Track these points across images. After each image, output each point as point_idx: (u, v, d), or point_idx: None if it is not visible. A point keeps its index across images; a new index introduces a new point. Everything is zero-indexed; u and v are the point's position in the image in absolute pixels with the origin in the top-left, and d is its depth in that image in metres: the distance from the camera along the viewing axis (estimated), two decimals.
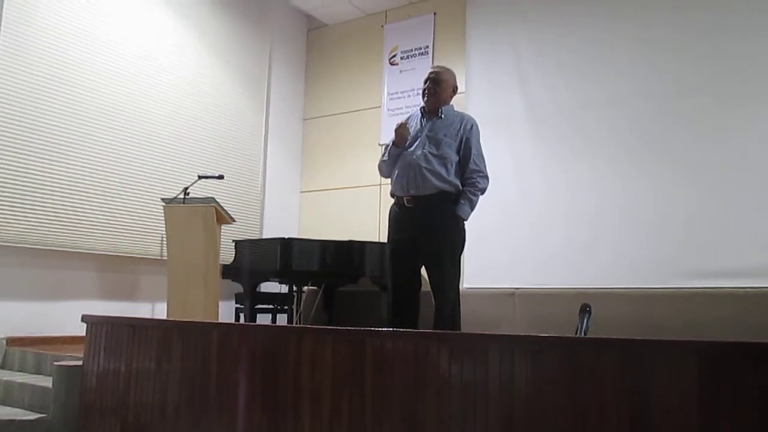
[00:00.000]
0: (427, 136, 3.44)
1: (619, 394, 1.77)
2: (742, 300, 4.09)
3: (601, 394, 1.79)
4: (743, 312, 4.03)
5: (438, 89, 3.50)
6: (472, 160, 3.43)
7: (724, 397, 1.64)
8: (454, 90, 3.60)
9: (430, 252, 3.37)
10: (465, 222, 3.44)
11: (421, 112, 3.57)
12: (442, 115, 3.48)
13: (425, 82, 3.55)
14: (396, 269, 3.46)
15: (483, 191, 3.47)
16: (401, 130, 3.46)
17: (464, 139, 3.44)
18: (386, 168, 3.62)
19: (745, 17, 4.39)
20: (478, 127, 3.53)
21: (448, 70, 3.62)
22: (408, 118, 3.65)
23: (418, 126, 3.52)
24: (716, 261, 4.26)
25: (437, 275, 3.37)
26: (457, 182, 3.40)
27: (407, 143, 3.48)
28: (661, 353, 1.76)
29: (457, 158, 3.42)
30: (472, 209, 3.42)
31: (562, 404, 1.84)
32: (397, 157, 3.54)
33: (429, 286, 3.43)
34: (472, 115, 3.66)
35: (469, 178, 3.42)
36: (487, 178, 3.47)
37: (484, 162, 3.49)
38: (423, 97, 3.55)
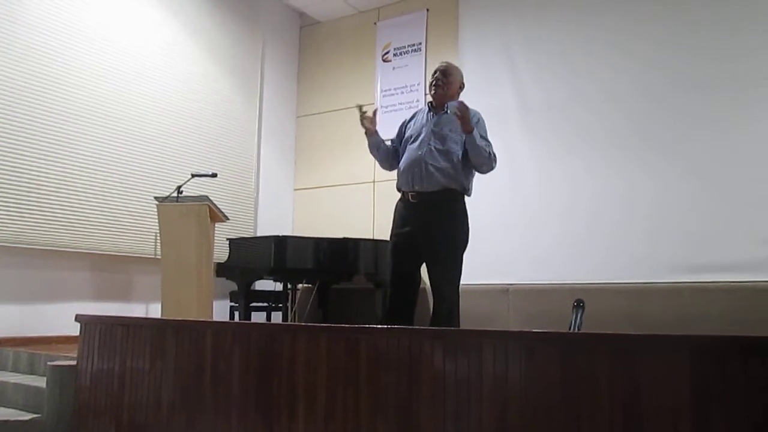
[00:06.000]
0: (432, 131, 3.42)
1: (612, 389, 1.78)
2: (734, 294, 4.12)
3: (594, 388, 1.80)
4: (735, 306, 4.06)
5: (446, 81, 3.49)
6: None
7: (715, 389, 1.65)
8: (461, 86, 3.59)
9: (430, 249, 3.36)
10: (469, 224, 3.43)
11: (428, 107, 3.57)
12: (448, 111, 3.46)
13: (434, 74, 3.54)
14: (396, 263, 3.45)
15: (490, 157, 3.38)
16: (366, 123, 3.50)
17: None
18: (379, 161, 3.70)
19: (738, 11, 4.41)
20: (484, 121, 3.50)
21: (456, 66, 3.62)
22: (415, 113, 3.66)
23: (424, 121, 3.51)
24: (710, 256, 4.28)
25: (437, 273, 3.36)
26: (462, 179, 3.39)
27: (412, 137, 3.49)
28: (654, 348, 1.77)
29: (462, 153, 3.40)
30: (478, 137, 3.31)
31: (556, 399, 1.85)
32: (377, 149, 3.59)
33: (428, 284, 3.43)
34: None
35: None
36: (496, 158, 3.43)
37: (491, 146, 3.43)
38: (430, 90, 3.54)
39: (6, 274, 4.15)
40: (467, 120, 3.21)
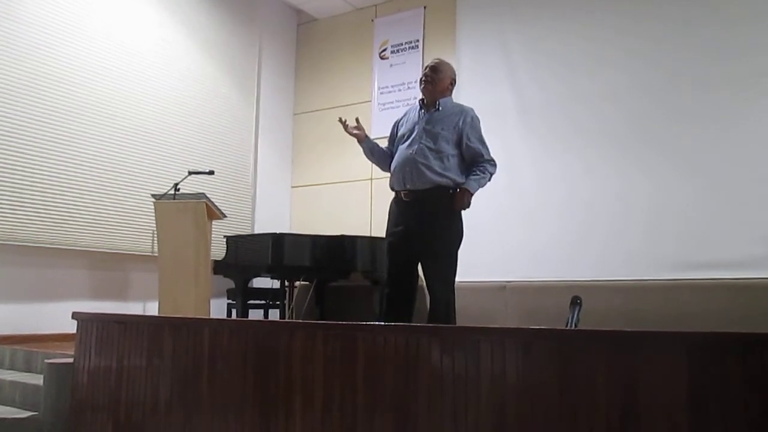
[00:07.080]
0: (424, 129, 3.40)
1: (609, 385, 1.78)
2: (732, 291, 4.12)
3: (591, 385, 1.80)
4: (733, 303, 4.05)
5: (436, 77, 3.45)
6: (477, 151, 3.40)
7: (713, 386, 1.65)
8: (453, 82, 3.55)
9: (425, 247, 3.35)
10: (462, 220, 3.43)
11: (419, 104, 3.55)
12: (440, 108, 3.44)
13: (424, 70, 3.53)
14: (393, 262, 3.45)
15: (492, 175, 3.46)
16: (352, 132, 3.55)
17: (463, 133, 3.40)
18: (376, 164, 3.70)
19: (737, 9, 4.40)
20: (478, 118, 3.48)
21: (447, 62, 3.59)
22: (407, 111, 3.64)
23: (416, 119, 3.48)
24: (707, 253, 4.28)
25: (432, 270, 3.36)
26: (455, 176, 3.37)
27: (404, 136, 3.48)
28: (651, 344, 1.77)
29: (455, 152, 3.37)
30: (479, 185, 3.39)
31: (553, 396, 1.85)
32: (372, 153, 3.61)
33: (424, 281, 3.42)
34: None
35: (479, 164, 3.41)
36: (494, 163, 3.46)
37: (488, 149, 3.46)
38: (420, 85, 3.52)
39: (2, 271, 4.14)
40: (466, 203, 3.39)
